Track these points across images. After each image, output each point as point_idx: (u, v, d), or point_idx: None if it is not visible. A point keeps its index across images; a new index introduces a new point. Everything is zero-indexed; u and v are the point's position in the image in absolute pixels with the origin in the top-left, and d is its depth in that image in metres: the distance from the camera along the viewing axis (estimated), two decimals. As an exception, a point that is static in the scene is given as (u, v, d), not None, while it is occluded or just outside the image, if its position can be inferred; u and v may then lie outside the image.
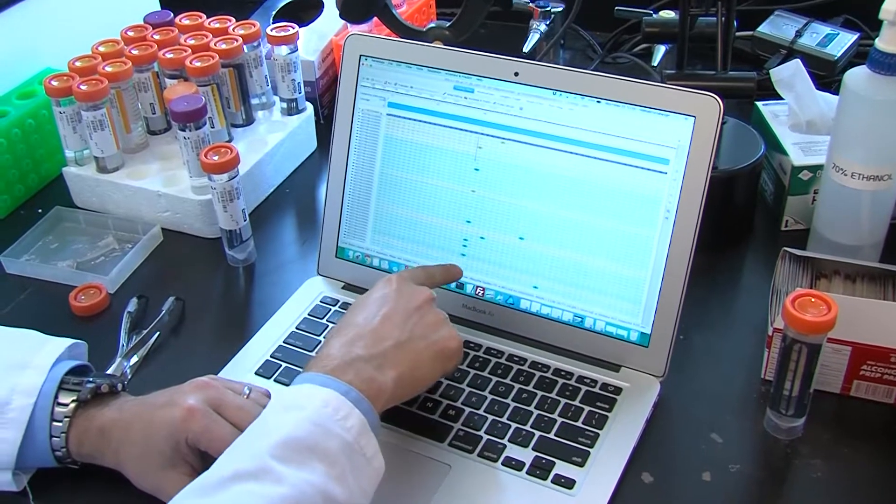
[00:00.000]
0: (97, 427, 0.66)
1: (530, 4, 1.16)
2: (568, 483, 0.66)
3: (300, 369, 0.75)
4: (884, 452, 0.69)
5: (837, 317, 0.63)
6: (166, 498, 0.64)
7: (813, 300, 0.64)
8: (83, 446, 0.66)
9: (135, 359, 0.80)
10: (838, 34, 1.07)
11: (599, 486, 0.65)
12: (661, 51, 1.11)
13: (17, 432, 0.65)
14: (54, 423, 0.66)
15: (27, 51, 1.08)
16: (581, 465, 0.67)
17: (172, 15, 1.06)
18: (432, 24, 0.96)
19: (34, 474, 0.69)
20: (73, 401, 0.66)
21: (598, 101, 0.72)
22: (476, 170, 0.77)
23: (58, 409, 0.66)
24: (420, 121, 0.79)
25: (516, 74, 0.75)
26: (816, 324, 0.62)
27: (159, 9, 1.22)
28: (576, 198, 0.74)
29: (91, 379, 0.68)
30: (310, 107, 1.05)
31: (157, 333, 0.83)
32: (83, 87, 0.92)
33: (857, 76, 0.75)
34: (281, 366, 0.77)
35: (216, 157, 0.84)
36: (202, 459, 0.65)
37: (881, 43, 0.72)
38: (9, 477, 0.67)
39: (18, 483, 0.67)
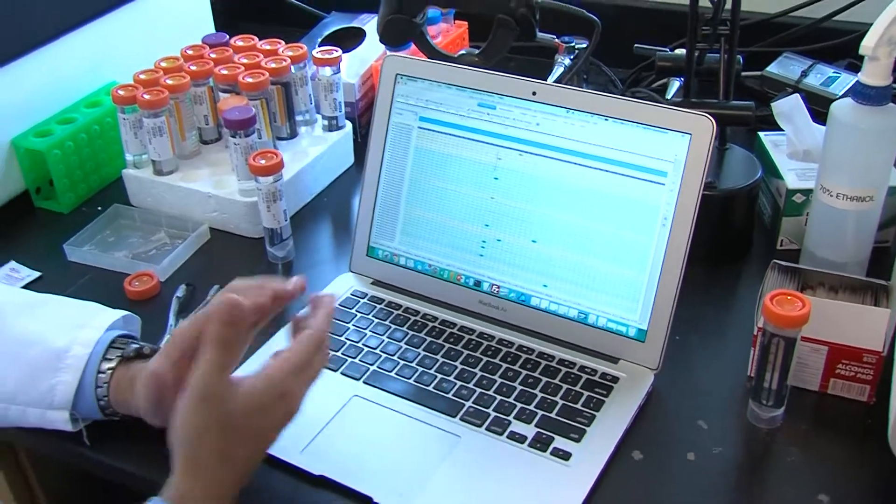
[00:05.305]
0: (130, 377, 0.75)
1: (556, 40, 1.25)
2: (565, 455, 0.73)
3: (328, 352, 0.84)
4: (856, 444, 0.75)
5: (811, 313, 0.70)
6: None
7: (789, 298, 0.71)
8: (118, 394, 0.75)
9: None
10: (840, 75, 1.15)
11: (593, 460, 0.73)
12: (675, 86, 1.20)
13: (74, 376, 0.75)
14: (100, 375, 0.75)
15: (95, 66, 1.18)
16: (577, 440, 0.74)
17: (228, 37, 1.17)
18: (463, 52, 1.06)
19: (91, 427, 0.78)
20: (118, 356, 0.76)
21: (606, 119, 0.80)
22: (496, 179, 0.86)
23: (104, 363, 0.76)
24: (447, 134, 0.87)
25: (534, 94, 0.83)
26: (791, 318, 0.70)
27: (215, 32, 1.34)
28: (584, 205, 0.82)
29: (137, 342, 0.78)
30: (349, 125, 1.15)
31: (202, 319, 0.91)
32: (146, 97, 1.02)
33: (842, 107, 0.83)
34: (312, 347, 0.85)
35: (263, 161, 0.94)
36: None
37: (863, 76, 0.80)
38: (66, 416, 0.75)
39: (75, 425, 0.76)
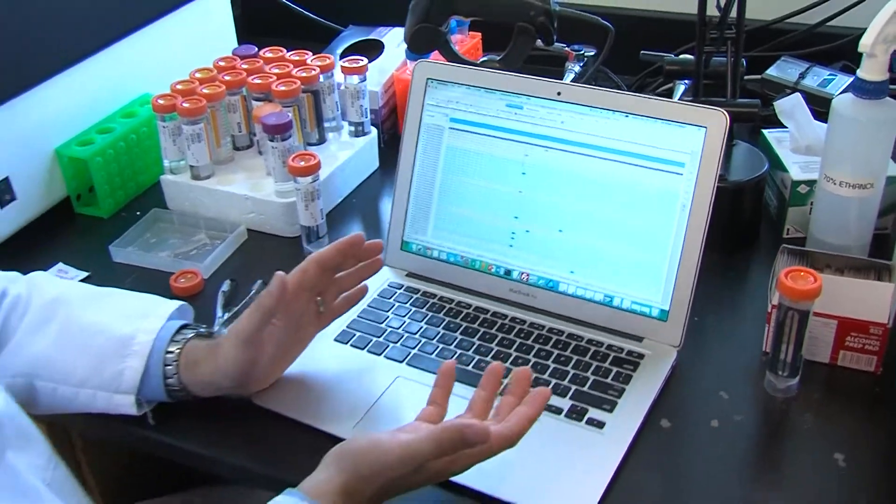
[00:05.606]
0: (205, 345, 0.82)
1: (566, 49, 1.32)
2: (599, 424, 0.79)
3: (371, 336, 0.90)
4: (866, 410, 0.82)
5: (822, 287, 0.77)
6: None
7: (802, 274, 0.78)
8: (189, 364, 0.81)
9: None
10: (836, 77, 1.22)
11: (625, 427, 0.79)
12: (680, 89, 1.26)
13: (141, 362, 0.81)
14: (167, 355, 0.81)
15: (127, 79, 1.24)
16: (610, 411, 0.80)
17: (257, 49, 1.23)
18: (484, 58, 1.13)
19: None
20: (184, 338, 0.82)
21: (626, 116, 0.87)
22: (523, 174, 0.92)
23: (172, 345, 0.82)
24: (477, 133, 0.94)
25: (559, 94, 0.90)
26: (805, 291, 0.76)
27: (236, 44, 1.40)
28: (607, 196, 0.88)
29: (202, 326, 0.85)
30: (374, 130, 1.21)
31: (248, 310, 0.97)
32: (185, 105, 1.08)
33: (843, 101, 0.90)
34: (355, 334, 0.91)
35: (302, 163, 1.00)
36: None
37: (861, 72, 0.87)
38: (132, 400, 0.81)
39: (139, 409, 0.82)
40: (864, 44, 0.84)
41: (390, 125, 1.28)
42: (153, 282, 1.03)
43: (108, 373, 0.81)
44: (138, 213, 1.16)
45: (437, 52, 1.12)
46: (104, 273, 1.06)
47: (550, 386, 0.83)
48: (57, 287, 0.88)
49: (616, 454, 0.77)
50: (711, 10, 0.99)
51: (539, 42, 1.11)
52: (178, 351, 0.82)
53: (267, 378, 0.85)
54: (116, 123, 1.18)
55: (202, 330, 0.85)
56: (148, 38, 1.25)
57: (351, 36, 1.41)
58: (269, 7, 1.54)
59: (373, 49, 1.36)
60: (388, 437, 0.70)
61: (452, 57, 1.10)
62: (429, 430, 0.69)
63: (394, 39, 1.36)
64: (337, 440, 0.79)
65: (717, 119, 0.83)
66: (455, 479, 0.73)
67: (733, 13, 0.99)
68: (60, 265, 1.07)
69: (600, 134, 0.88)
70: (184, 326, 0.85)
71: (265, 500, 0.69)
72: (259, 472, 0.81)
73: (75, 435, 1.00)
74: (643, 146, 0.86)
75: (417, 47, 1.09)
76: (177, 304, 0.87)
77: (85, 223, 1.16)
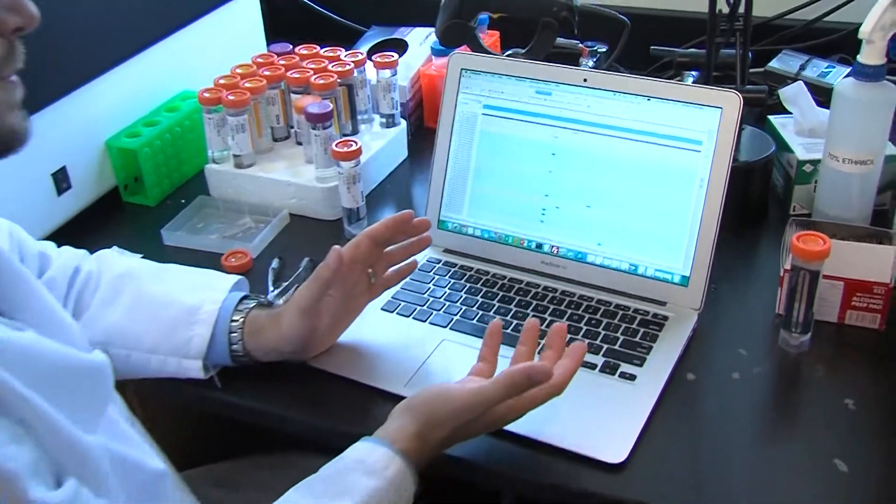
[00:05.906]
0: (266, 314, 0.90)
1: (580, 45, 1.40)
2: (631, 377, 0.87)
3: (415, 305, 0.98)
4: (872, 362, 0.90)
5: (831, 249, 0.85)
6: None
7: (812, 237, 0.86)
8: (253, 331, 0.88)
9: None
10: (835, 68, 1.31)
11: (654, 380, 0.87)
12: (689, 81, 1.35)
13: (208, 329, 0.88)
14: (232, 323, 0.89)
15: (169, 77, 1.31)
16: (640, 365, 0.88)
17: (292, 46, 1.31)
18: (509, 52, 1.21)
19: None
20: (247, 307, 0.90)
21: (648, 99, 0.95)
22: (553, 154, 1.00)
23: (236, 314, 0.89)
24: (509, 118, 1.02)
25: (585, 80, 0.98)
26: (816, 252, 0.85)
27: (265, 44, 1.48)
28: (631, 173, 0.96)
29: (262, 297, 0.93)
30: (403, 122, 1.29)
31: (296, 286, 1.04)
32: (230, 98, 1.16)
33: (845, 84, 0.98)
34: (401, 303, 0.99)
35: (345, 148, 1.07)
36: None
37: (861, 57, 0.95)
38: (199, 365, 0.88)
39: (206, 373, 0.89)
40: (864, 31, 0.92)
41: (416, 118, 1.36)
42: (202, 263, 1.09)
43: (177, 340, 0.89)
44: (182, 201, 1.23)
45: (465, 46, 1.19)
46: (156, 256, 1.12)
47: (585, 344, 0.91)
48: (124, 263, 0.96)
49: (647, 404, 0.85)
50: (718, 5, 1.08)
51: (559, 39, 1.19)
52: (241, 319, 0.89)
53: (323, 344, 0.92)
54: (161, 117, 1.26)
55: (262, 300, 0.93)
56: (185, 39, 1.33)
57: (374, 36, 1.49)
58: (293, 9, 1.62)
59: (396, 48, 1.44)
60: (456, 385, 0.78)
61: (480, 50, 1.18)
62: (495, 377, 0.77)
63: (417, 38, 1.44)
64: (391, 396, 0.87)
65: (731, 100, 0.91)
66: (506, 427, 0.81)
67: (741, 9, 1.07)
68: (115, 248, 1.14)
69: (624, 116, 0.96)
70: (244, 297, 0.92)
71: (315, 466, 0.76)
72: (321, 426, 0.88)
73: (136, 405, 1.07)
74: (663, 126, 0.95)
75: (450, 41, 1.17)
76: (235, 277, 0.95)
77: (133, 211, 1.24)
